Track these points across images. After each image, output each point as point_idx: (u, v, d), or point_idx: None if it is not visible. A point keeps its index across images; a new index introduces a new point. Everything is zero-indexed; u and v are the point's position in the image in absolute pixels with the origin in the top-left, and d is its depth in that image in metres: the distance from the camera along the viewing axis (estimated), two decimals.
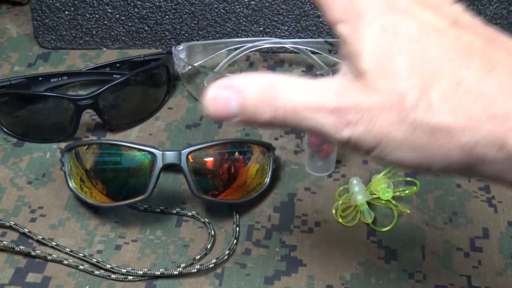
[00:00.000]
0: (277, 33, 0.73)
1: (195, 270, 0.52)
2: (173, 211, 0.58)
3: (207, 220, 0.57)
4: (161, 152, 0.54)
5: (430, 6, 0.34)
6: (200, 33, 0.73)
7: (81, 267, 0.53)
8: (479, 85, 0.31)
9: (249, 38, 0.72)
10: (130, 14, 0.73)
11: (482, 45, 0.32)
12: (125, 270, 0.53)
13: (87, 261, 0.54)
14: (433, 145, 0.31)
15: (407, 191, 0.58)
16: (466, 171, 0.32)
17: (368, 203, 0.57)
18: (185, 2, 0.72)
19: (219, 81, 0.34)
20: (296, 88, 0.33)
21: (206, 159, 0.56)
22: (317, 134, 0.34)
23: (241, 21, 0.73)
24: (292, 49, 0.72)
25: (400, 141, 0.32)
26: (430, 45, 0.32)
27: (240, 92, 0.34)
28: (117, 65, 0.70)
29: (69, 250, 0.54)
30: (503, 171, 0.31)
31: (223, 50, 0.71)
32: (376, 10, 0.33)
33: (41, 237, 0.55)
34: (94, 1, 0.72)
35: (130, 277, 0.53)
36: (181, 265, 0.53)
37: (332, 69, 0.70)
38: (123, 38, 0.74)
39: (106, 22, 0.73)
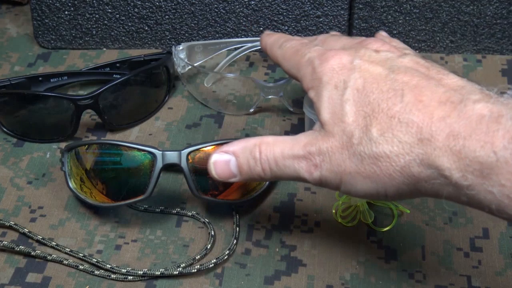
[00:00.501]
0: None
1: (195, 270, 0.53)
2: (173, 211, 0.58)
3: (207, 220, 0.57)
4: (161, 152, 0.54)
5: (373, 59, 0.41)
6: (200, 33, 0.73)
7: (81, 267, 0.53)
8: (409, 116, 0.37)
9: (249, 38, 0.72)
10: (130, 14, 0.73)
11: (416, 83, 0.38)
12: (125, 270, 0.53)
13: (87, 261, 0.54)
14: (380, 171, 0.38)
15: None
16: (414, 192, 0.38)
17: (368, 203, 0.57)
18: (185, 2, 0.72)
19: (218, 149, 0.44)
20: (274, 144, 0.42)
21: (206, 159, 0.56)
22: (297, 180, 0.42)
23: (241, 21, 0.73)
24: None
25: (354, 173, 0.39)
26: (371, 91, 0.39)
27: (235, 154, 0.44)
28: (117, 65, 0.70)
29: (69, 250, 0.54)
30: (437, 188, 0.37)
31: (223, 50, 0.71)
32: (330, 73, 0.42)
33: (41, 237, 0.55)
34: (94, 1, 0.72)
35: (130, 277, 0.53)
36: (181, 265, 0.53)
37: None
38: (123, 38, 0.74)
39: (106, 22, 0.73)
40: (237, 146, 0.44)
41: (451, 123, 0.35)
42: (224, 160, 0.44)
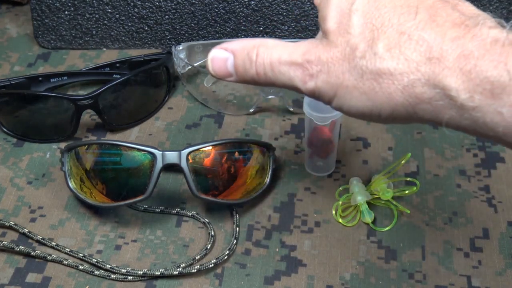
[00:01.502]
0: (277, 33, 0.73)
1: (195, 270, 0.52)
2: (173, 211, 0.58)
3: (207, 220, 0.57)
4: (161, 152, 0.54)
5: None
6: (200, 33, 0.73)
7: (81, 267, 0.53)
8: (420, 33, 0.35)
9: (249, 38, 0.72)
10: (130, 14, 0.73)
11: (431, 3, 0.37)
12: (125, 270, 0.53)
13: (87, 261, 0.54)
14: (379, 88, 0.36)
15: (407, 191, 0.58)
16: (410, 114, 0.36)
17: (368, 203, 0.57)
18: (185, 2, 0.72)
19: (217, 46, 0.42)
20: (274, 48, 0.40)
21: (206, 159, 0.56)
22: (290, 88, 0.40)
23: (241, 21, 0.73)
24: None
25: (351, 88, 0.37)
26: (384, 4, 0.37)
27: (233, 53, 0.41)
28: (117, 65, 0.70)
29: (69, 250, 0.54)
30: (439, 110, 0.35)
31: None
32: None
33: (41, 237, 0.55)
34: (94, 1, 0.72)
35: (130, 277, 0.53)
36: (181, 265, 0.53)
37: None
38: (123, 38, 0.74)
39: (106, 22, 0.73)
40: (236, 45, 0.42)
41: (464, 43, 0.34)
42: (222, 58, 0.42)
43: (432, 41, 0.35)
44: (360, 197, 0.57)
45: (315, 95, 0.39)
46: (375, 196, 0.58)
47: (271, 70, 0.40)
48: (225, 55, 0.42)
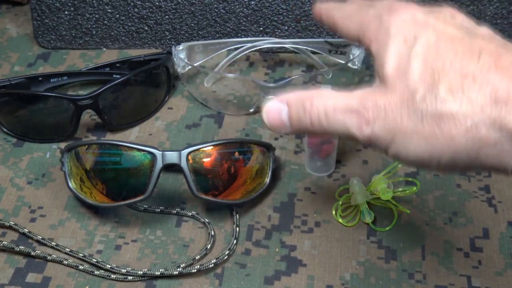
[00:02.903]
0: (277, 33, 0.73)
1: (195, 270, 0.52)
2: (173, 211, 0.58)
3: (207, 220, 0.57)
4: (161, 152, 0.54)
5: (448, 22, 0.39)
6: (200, 33, 0.73)
7: (81, 267, 0.53)
8: (484, 76, 0.34)
9: (249, 38, 0.72)
10: (130, 14, 0.73)
11: (494, 49, 0.36)
12: (125, 270, 0.53)
13: (87, 261, 0.54)
14: (440, 132, 0.35)
15: (407, 191, 0.58)
16: (472, 160, 0.35)
17: (368, 203, 0.57)
18: (185, 2, 0.72)
19: (273, 98, 0.41)
20: (328, 96, 0.39)
21: (206, 159, 0.56)
22: (346, 136, 0.39)
23: (241, 21, 0.73)
24: (292, 49, 0.72)
25: (410, 133, 0.36)
26: (444, 49, 0.36)
27: (288, 104, 0.40)
28: (117, 65, 0.70)
29: (69, 250, 0.54)
30: (504, 155, 0.34)
31: (223, 50, 0.71)
32: (400, 25, 0.39)
33: (41, 237, 0.55)
34: (94, 1, 0.72)
35: (130, 277, 0.53)
36: (181, 265, 0.53)
37: (332, 68, 0.70)
38: (123, 38, 0.74)
39: (106, 22, 0.73)
40: (291, 96, 0.41)
41: None
42: (276, 109, 0.41)
43: (498, 83, 0.34)
44: (360, 197, 0.57)
45: (372, 142, 0.38)
46: (375, 196, 0.58)
47: (325, 119, 0.39)
48: (279, 107, 0.41)
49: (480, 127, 0.34)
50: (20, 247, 0.54)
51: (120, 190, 0.56)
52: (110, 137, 0.65)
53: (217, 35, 0.74)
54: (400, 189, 0.58)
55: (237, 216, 0.57)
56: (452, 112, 0.34)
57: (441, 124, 0.35)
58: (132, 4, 0.72)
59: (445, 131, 0.35)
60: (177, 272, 0.52)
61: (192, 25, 0.73)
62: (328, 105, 0.39)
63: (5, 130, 0.65)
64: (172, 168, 0.60)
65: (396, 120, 0.36)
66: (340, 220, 0.57)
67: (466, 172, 0.36)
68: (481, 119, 0.34)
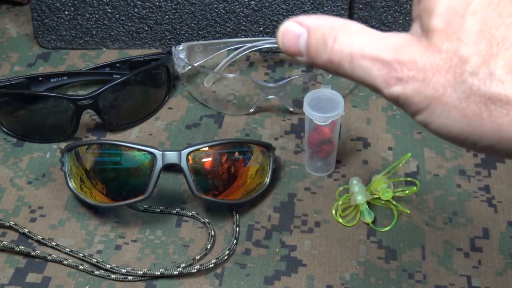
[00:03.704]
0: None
1: (195, 270, 0.52)
2: (173, 211, 0.58)
3: (207, 220, 0.57)
4: (161, 152, 0.54)
5: None
6: (200, 33, 0.73)
7: (81, 267, 0.53)
8: None
9: (249, 38, 0.72)
10: (130, 14, 0.73)
11: None
12: (125, 270, 0.53)
13: (87, 261, 0.54)
14: (487, 115, 0.30)
15: (407, 191, 0.58)
16: None
17: (368, 203, 0.57)
18: (185, 2, 0.72)
19: (293, 18, 0.35)
20: (357, 35, 0.33)
21: (206, 159, 0.56)
22: (368, 86, 0.33)
23: (241, 21, 0.73)
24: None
25: (450, 106, 0.31)
26: (508, 12, 0.30)
27: (308, 30, 0.34)
28: (117, 65, 0.70)
29: (69, 250, 0.54)
30: None
31: (223, 50, 0.71)
32: None
33: (41, 237, 0.55)
34: (94, 1, 0.72)
35: (130, 277, 0.53)
36: (181, 265, 0.53)
37: None
38: (123, 38, 0.74)
39: (106, 22, 0.73)
40: (313, 21, 0.34)
41: None
42: (295, 33, 0.35)
43: None
44: (360, 197, 0.57)
45: (399, 102, 0.33)
46: (375, 196, 0.58)
47: (349, 62, 0.33)
48: (298, 31, 0.34)
49: None
50: (20, 247, 0.54)
51: (120, 190, 0.56)
52: (110, 137, 0.65)
53: (217, 35, 0.74)
54: (400, 189, 0.58)
55: (237, 216, 0.57)
56: (508, 97, 0.29)
57: (490, 107, 0.30)
58: (132, 4, 0.72)
59: (493, 116, 0.30)
60: (177, 272, 0.52)
61: (192, 25, 0.73)
62: (355, 46, 0.33)
63: (5, 130, 0.65)
64: (172, 168, 0.60)
65: (437, 87, 0.31)
66: (340, 220, 0.57)
67: (505, 158, 0.32)
68: None
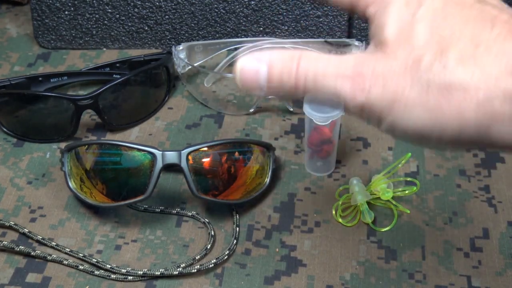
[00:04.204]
0: (277, 33, 0.73)
1: (195, 270, 0.52)
2: (173, 211, 0.58)
3: (207, 220, 0.57)
4: (161, 152, 0.54)
5: None
6: (200, 33, 0.73)
7: (81, 267, 0.53)
8: (500, 46, 0.31)
9: (249, 38, 0.72)
10: (130, 14, 0.73)
11: (507, 19, 0.33)
12: (125, 270, 0.53)
13: (87, 261, 0.54)
14: (447, 103, 0.32)
15: (407, 191, 0.58)
16: (481, 137, 0.32)
17: (368, 203, 0.57)
18: (185, 2, 0.72)
19: (248, 55, 0.36)
20: (317, 60, 0.35)
21: (206, 159, 0.56)
22: (336, 100, 0.35)
23: (241, 21, 0.73)
24: (292, 49, 0.72)
25: (412, 104, 0.33)
26: (453, 15, 0.33)
27: (269, 63, 0.36)
28: (117, 65, 0.70)
29: (69, 250, 0.54)
30: None
31: (223, 50, 0.71)
32: None
33: (41, 237, 0.55)
34: (94, 1, 0.72)
35: (130, 277, 0.53)
36: (181, 265, 0.53)
37: None
38: (123, 38, 0.74)
39: (106, 22, 0.73)
40: (272, 55, 0.36)
41: None
42: (253, 69, 0.36)
43: None
44: (360, 197, 0.57)
45: (364, 111, 0.34)
46: (375, 196, 0.58)
47: (313, 83, 0.35)
48: (257, 66, 0.36)
49: (494, 100, 0.31)
50: (20, 247, 0.54)
51: (120, 190, 0.56)
52: (110, 137, 0.65)
53: (217, 35, 0.74)
54: (400, 189, 0.58)
55: (237, 216, 0.57)
56: (462, 83, 0.31)
57: (449, 95, 0.32)
58: (132, 4, 0.72)
59: (453, 104, 0.32)
60: (177, 272, 0.52)
61: (192, 25, 0.73)
62: (318, 68, 0.35)
63: (5, 130, 0.65)
64: (172, 168, 0.60)
65: (396, 90, 0.33)
66: (340, 220, 0.57)
67: (470, 149, 0.33)
68: (495, 92, 0.31)
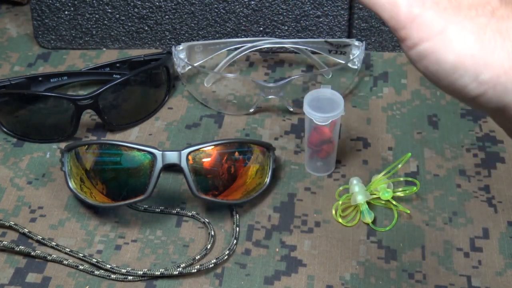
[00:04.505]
0: (277, 33, 0.73)
1: (195, 270, 0.52)
2: (173, 211, 0.58)
3: (207, 220, 0.57)
4: (161, 152, 0.54)
5: None
6: (200, 33, 0.73)
7: (81, 267, 0.53)
8: None
9: (249, 38, 0.72)
10: (130, 14, 0.73)
11: None
12: (125, 270, 0.53)
13: (87, 261, 0.54)
14: (500, 44, 0.31)
15: (407, 191, 0.58)
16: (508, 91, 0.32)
17: (368, 203, 0.57)
18: (185, 2, 0.72)
19: None
20: None
21: (206, 159, 0.56)
22: (383, 10, 0.34)
23: (241, 21, 0.73)
24: (292, 49, 0.72)
25: (468, 30, 0.32)
26: None
27: None
28: (117, 65, 0.70)
29: (69, 250, 0.54)
30: None
31: (223, 50, 0.71)
32: None
33: (41, 237, 0.55)
34: (94, 1, 0.72)
35: (130, 277, 0.53)
36: (181, 265, 0.53)
37: (332, 68, 0.70)
38: (123, 38, 0.74)
39: (106, 22, 0.73)
40: None
41: None
42: None
43: None
44: (360, 197, 0.57)
45: (413, 23, 0.33)
46: (375, 196, 0.58)
47: None
48: None
49: None
50: (20, 247, 0.54)
51: (120, 190, 0.56)
52: (110, 137, 0.65)
53: (217, 35, 0.74)
54: (400, 189, 0.58)
55: (237, 216, 0.57)
56: None
57: (506, 37, 0.31)
58: (132, 4, 0.72)
59: (506, 46, 0.31)
60: (177, 272, 0.52)
61: (192, 25, 0.73)
62: None
63: (5, 130, 0.65)
64: (172, 168, 0.60)
65: (458, 15, 0.32)
66: (340, 220, 0.57)
67: (489, 110, 0.33)
68: None
